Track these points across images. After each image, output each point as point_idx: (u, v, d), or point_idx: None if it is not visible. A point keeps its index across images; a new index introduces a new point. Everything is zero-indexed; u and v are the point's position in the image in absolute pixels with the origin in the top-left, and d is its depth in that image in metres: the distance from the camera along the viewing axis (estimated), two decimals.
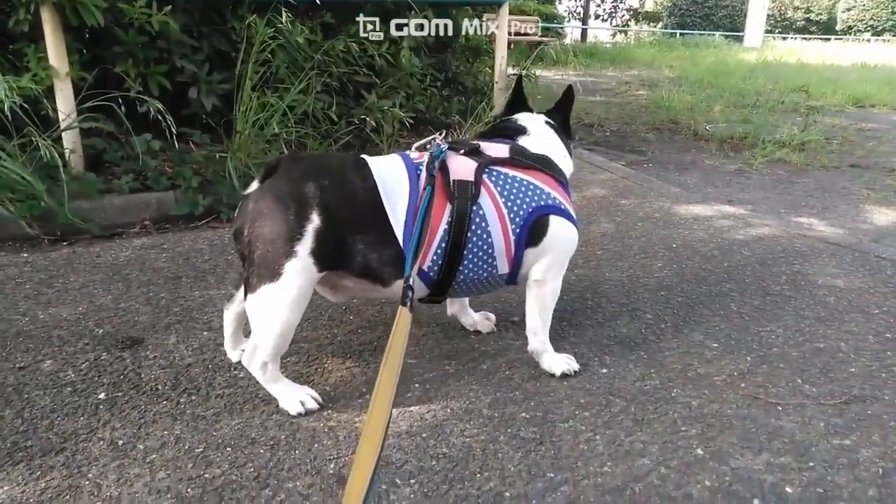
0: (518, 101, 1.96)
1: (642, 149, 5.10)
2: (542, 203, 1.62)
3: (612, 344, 1.87)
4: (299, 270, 1.42)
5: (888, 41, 24.51)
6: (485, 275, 1.61)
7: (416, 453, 1.38)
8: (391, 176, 1.53)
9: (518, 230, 1.59)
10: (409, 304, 1.28)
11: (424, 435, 1.45)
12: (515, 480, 1.30)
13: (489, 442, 1.42)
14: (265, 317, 1.46)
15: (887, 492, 1.29)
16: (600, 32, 24.96)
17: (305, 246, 1.42)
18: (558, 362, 1.71)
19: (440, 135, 1.66)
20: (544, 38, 10.73)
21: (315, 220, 1.43)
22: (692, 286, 2.30)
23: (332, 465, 1.34)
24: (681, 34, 22.68)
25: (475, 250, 1.56)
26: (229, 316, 1.69)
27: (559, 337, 1.89)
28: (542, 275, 1.66)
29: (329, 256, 1.46)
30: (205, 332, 1.89)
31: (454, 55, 4.62)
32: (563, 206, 1.66)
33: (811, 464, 1.36)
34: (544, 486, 1.28)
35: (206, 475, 1.29)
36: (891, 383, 1.67)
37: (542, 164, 1.68)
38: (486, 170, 1.61)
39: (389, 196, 1.50)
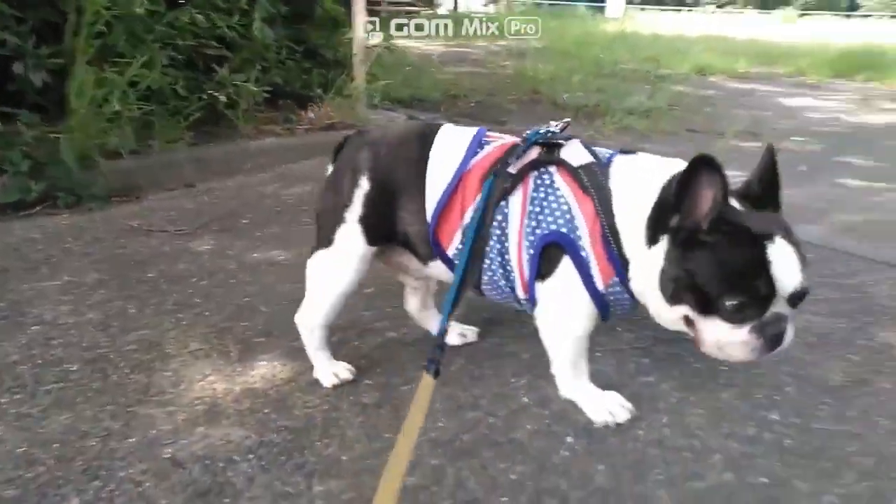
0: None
1: (503, 119, 5.26)
2: (564, 230, 1.30)
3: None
4: (349, 237, 1.45)
5: (730, 13, 26.58)
6: (506, 289, 1.42)
7: (256, 428, 1.40)
8: (449, 148, 1.41)
9: (532, 252, 1.34)
10: (434, 368, 1.09)
11: (267, 410, 1.47)
12: (354, 444, 1.36)
13: (331, 411, 1.47)
14: (316, 281, 1.53)
15: (678, 417, 1.47)
16: (473, 3, 25.19)
17: (354, 213, 1.44)
18: (597, 408, 1.46)
19: (561, 123, 1.44)
20: (415, 8, 10.70)
21: (364, 186, 1.43)
22: None
23: (168, 450, 1.33)
24: (549, 4, 23.34)
25: (492, 254, 1.38)
26: (412, 306, 1.79)
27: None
28: (541, 322, 1.44)
29: (378, 226, 1.45)
30: (34, 327, 1.78)
31: (313, 26, 4.52)
32: (583, 251, 1.30)
33: None
34: (381, 447, 1.35)
35: (27, 475, 1.24)
36: None
37: (600, 197, 1.28)
38: (540, 168, 1.36)
39: (435, 169, 1.40)
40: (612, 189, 1.29)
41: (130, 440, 1.35)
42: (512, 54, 9.86)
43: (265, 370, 1.62)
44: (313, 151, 3.72)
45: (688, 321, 1.25)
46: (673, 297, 1.22)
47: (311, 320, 1.56)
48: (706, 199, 1.13)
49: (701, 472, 1.30)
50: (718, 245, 1.14)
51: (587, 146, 1.37)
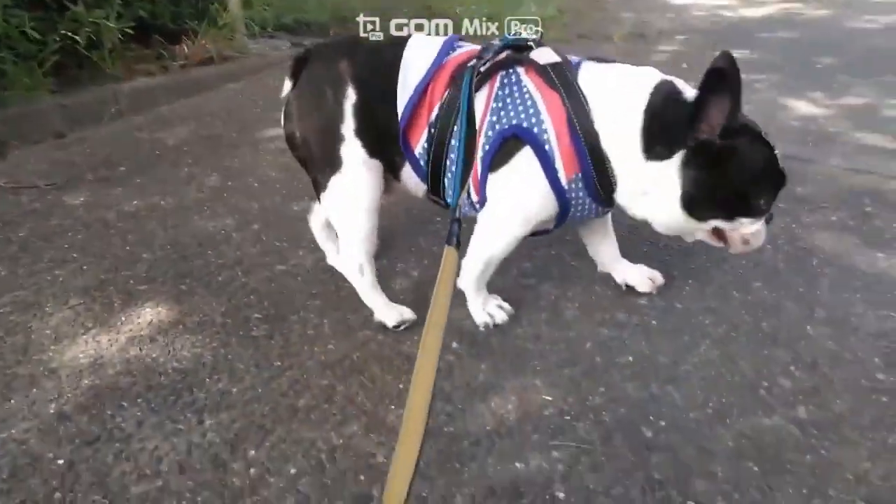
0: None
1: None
2: (525, 125, 1.27)
3: None
4: (353, 153, 1.39)
5: None
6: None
7: (144, 374, 1.39)
8: (421, 50, 1.38)
9: (488, 147, 1.31)
10: (455, 241, 1.05)
11: (155, 355, 1.46)
12: (244, 376, 1.38)
13: (220, 347, 1.48)
14: (344, 209, 1.44)
15: (555, 314, 1.57)
16: None
17: (349, 126, 1.38)
18: (478, 312, 1.54)
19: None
20: None
21: (352, 96, 1.36)
22: None
23: (52, 406, 1.31)
24: None
25: (452, 154, 1.34)
26: (316, 226, 1.75)
27: (300, 235, 1.95)
28: (484, 215, 1.40)
29: (372, 136, 1.39)
30: None
31: None
32: (546, 145, 1.27)
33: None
34: (270, 375, 1.38)
35: None
36: (572, 232, 1.97)
37: (568, 93, 1.26)
38: (508, 69, 1.33)
39: (407, 69, 1.36)
40: (586, 91, 1.26)
41: (11, 402, 1.32)
42: None
43: (150, 317, 1.60)
44: (192, 89, 3.54)
45: (716, 230, 1.31)
46: (705, 213, 1.25)
47: (354, 258, 1.49)
48: (724, 106, 1.12)
49: (574, 359, 1.41)
50: (744, 151, 1.17)
51: (558, 51, 1.35)
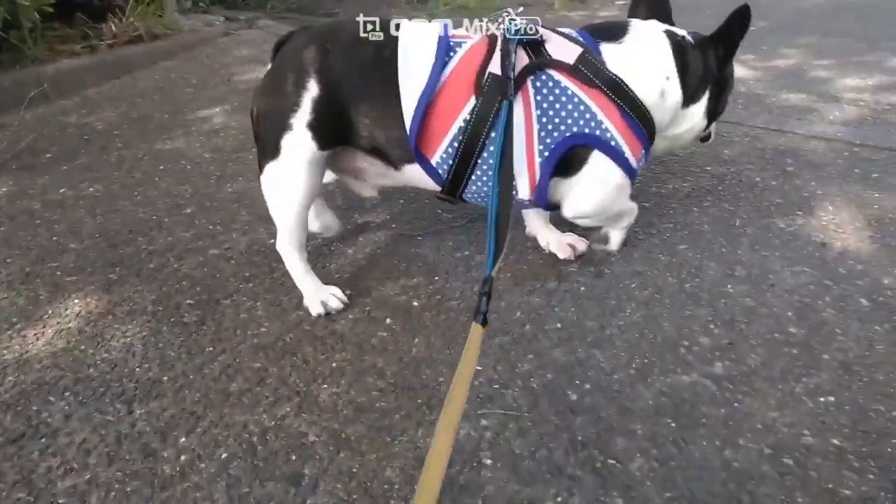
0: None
1: (335, 10, 5.04)
2: (587, 130, 1.33)
3: None
4: (297, 145, 1.35)
5: None
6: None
7: (72, 367, 1.37)
8: (417, 48, 1.34)
9: (548, 154, 1.35)
10: (482, 318, 0.98)
11: (83, 347, 1.43)
12: (175, 363, 1.37)
13: (151, 336, 1.46)
14: (275, 197, 1.44)
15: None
16: None
17: (302, 118, 1.33)
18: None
19: (513, 11, 1.38)
20: None
21: (313, 89, 1.31)
22: None
23: None
24: None
25: (484, 166, 1.36)
26: None
27: (234, 217, 1.93)
28: (571, 211, 1.49)
29: (331, 130, 1.37)
30: None
31: None
32: (613, 142, 1.35)
33: (435, 277, 1.63)
34: (202, 361, 1.37)
35: None
36: None
37: (610, 88, 1.33)
38: (537, 72, 1.33)
39: (407, 72, 1.31)
40: (622, 75, 1.34)
41: None
42: None
43: (79, 308, 1.57)
44: (120, 69, 3.42)
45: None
46: (712, 120, 1.57)
47: (284, 244, 1.49)
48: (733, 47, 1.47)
49: (505, 328, 1.44)
50: (731, 72, 1.55)
51: (563, 33, 1.40)
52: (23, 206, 2.08)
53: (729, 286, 1.57)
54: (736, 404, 1.22)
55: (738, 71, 3.19)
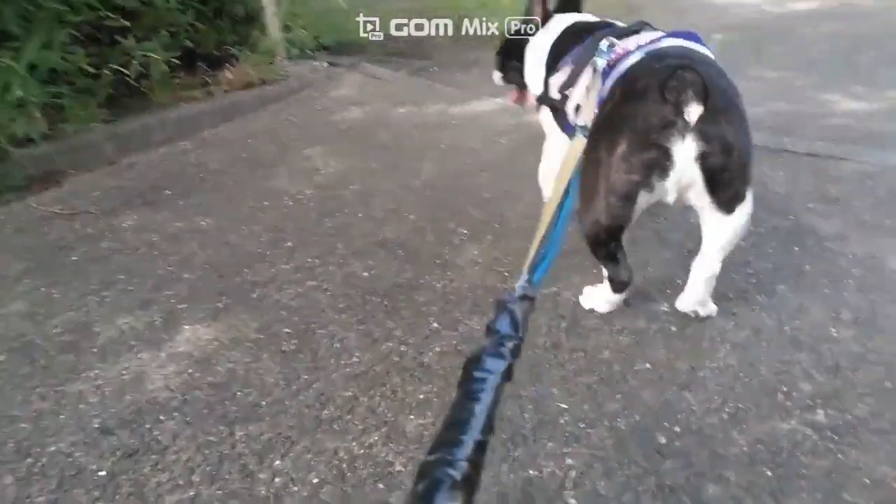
0: None
1: (434, 55, 5.21)
2: None
3: (377, 248, 2.04)
4: None
5: None
6: None
7: (181, 389, 1.48)
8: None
9: None
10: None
11: (191, 370, 1.54)
12: (273, 389, 1.45)
13: (252, 362, 1.55)
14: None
15: (574, 322, 1.59)
16: None
17: None
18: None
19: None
20: None
21: None
22: (451, 181, 2.52)
23: (96, 420, 1.40)
24: None
25: None
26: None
27: (331, 250, 2.03)
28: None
29: None
30: None
31: None
32: None
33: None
34: (298, 388, 1.44)
35: None
36: None
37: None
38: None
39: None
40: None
41: (61, 417, 1.42)
42: None
43: (189, 334, 1.69)
44: (233, 113, 3.68)
45: None
46: None
47: None
48: None
49: (592, 368, 1.43)
50: None
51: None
52: (144, 239, 2.27)
53: (833, 330, 1.48)
54: (840, 456, 1.14)
55: (850, 104, 3.04)
